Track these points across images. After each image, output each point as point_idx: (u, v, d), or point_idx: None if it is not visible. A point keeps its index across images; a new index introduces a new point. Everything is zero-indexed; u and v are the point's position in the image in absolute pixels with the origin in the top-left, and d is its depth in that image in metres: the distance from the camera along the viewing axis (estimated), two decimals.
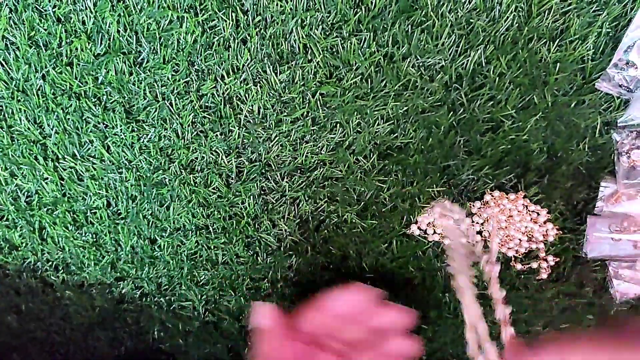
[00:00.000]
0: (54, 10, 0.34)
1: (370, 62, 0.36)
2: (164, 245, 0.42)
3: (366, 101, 0.36)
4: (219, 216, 0.40)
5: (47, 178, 0.39)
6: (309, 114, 0.37)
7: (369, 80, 0.36)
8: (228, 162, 0.38)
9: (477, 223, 0.39)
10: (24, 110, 0.37)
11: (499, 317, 0.33)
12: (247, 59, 0.35)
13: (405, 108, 0.37)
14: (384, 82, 0.36)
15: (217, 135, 0.37)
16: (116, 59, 0.35)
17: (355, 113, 0.37)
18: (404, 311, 0.34)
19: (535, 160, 0.38)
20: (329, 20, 0.35)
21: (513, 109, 0.37)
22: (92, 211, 0.40)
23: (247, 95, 0.36)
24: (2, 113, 0.37)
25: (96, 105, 0.36)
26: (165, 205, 0.40)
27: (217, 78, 0.36)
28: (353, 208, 0.39)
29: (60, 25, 0.34)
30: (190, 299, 0.44)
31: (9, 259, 0.43)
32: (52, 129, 0.37)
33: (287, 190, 0.39)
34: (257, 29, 0.35)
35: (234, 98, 0.36)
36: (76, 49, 0.35)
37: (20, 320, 0.47)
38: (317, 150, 0.38)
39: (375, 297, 0.34)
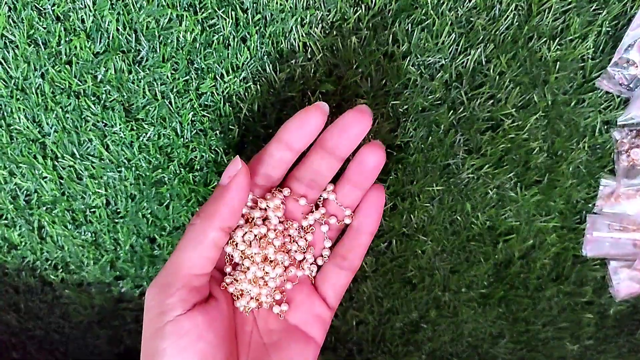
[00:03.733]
0: (53, 8, 0.34)
1: (370, 61, 0.35)
2: (164, 244, 0.42)
3: (366, 100, 0.36)
4: None
5: (46, 177, 0.39)
6: None
7: (369, 78, 0.36)
8: (228, 160, 0.38)
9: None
10: (23, 109, 0.37)
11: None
12: (247, 58, 0.35)
13: (405, 106, 0.37)
14: (384, 80, 0.36)
15: (216, 133, 0.37)
16: (115, 58, 0.35)
17: None
18: (358, 115, 0.31)
19: (535, 159, 0.38)
20: (329, 19, 0.35)
21: (513, 107, 0.37)
22: (91, 210, 0.40)
23: (246, 93, 0.36)
24: (1, 112, 0.37)
25: (95, 103, 0.36)
26: (164, 204, 0.40)
27: (217, 76, 0.36)
28: None
29: (60, 23, 0.34)
30: None
31: (8, 258, 0.43)
32: (51, 128, 0.37)
33: None
34: (257, 28, 0.35)
35: (234, 96, 0.36)
36: (75, 47, 0.35)
37: (19, 319, 0.47)
38: None
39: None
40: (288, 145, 0.32)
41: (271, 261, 0.34)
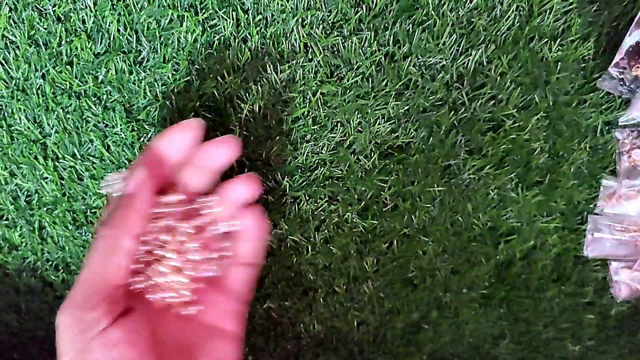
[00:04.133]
0: (54, 9, 0.34)
1: (371, 62, 0.35)
2: None
3: (367, 100, 0.36)
4: None
5: (46, 177, 0.39)
6: (310, 113, 0.37)
7: (370, 79, 0.36)
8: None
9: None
10: (24, 110, 0.37)
11: None
12: (248, 58, 0.35)
13: (406, 107, 0.37)
14: (385, 81, 0.36)
15: (217, 134, 0.37)
16: (116, 58, 0.35)
17: (356, 112, 0.37)
18: (226, 142, 0.32)
19: (536, 160, 0.38)
20: (330, 19, 0.35)
21: (514, 108, 0.37)
22: (92, 211, 0.40)
23: (247, 94, 0.36)
24: (2, 112, 0.37)
25: (96, 104, 0.36)
26: None
27: (218, 77, 0.36)
28: (354, 208, 0.39)
29: (60, 24, 0.34)
30: None
31: (8, 259, 0.43)
32: (52, 128, 0.37)
33: (287, 190, 0.39)
34: (258, 28, 0.35)
35: (235, 97, 0.36)
36: (76, 48, 0.35)
37: (20, 319, 0.47)
38: (318, 149, 0.38)
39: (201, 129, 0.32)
40: (161, 156, 0.32)
41: (179, 252, 0.33)
